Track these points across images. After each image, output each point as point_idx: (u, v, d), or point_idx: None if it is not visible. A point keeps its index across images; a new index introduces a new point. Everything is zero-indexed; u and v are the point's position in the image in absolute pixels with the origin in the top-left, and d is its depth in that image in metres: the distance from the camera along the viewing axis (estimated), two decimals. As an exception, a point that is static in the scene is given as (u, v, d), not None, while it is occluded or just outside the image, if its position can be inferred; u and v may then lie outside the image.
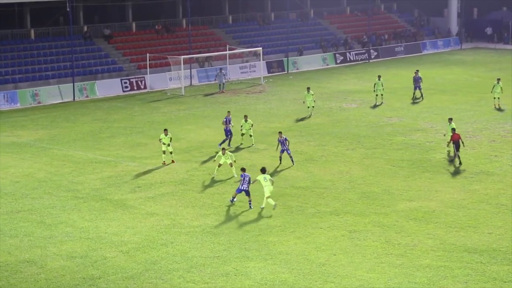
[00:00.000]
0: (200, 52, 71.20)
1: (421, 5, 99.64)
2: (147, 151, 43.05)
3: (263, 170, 32.88)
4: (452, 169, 38.34)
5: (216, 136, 46.08)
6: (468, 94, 59.03)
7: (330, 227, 30.34)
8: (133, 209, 32.95)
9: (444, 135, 42.68)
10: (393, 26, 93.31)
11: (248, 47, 74.63)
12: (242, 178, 32.82)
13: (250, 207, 32.65)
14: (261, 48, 70.97)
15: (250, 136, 43.65)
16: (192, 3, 70.12)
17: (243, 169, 33.26)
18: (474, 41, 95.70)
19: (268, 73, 72.44)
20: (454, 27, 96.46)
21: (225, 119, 44.02)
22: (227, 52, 69.58)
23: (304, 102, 52.42)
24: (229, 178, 37.26)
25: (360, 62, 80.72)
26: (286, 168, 38.98)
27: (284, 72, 73.84)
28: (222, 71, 64.36)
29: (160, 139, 40.09)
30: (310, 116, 51.50)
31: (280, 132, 40.24)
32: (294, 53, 78.36)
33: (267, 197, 32.25)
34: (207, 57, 71.28)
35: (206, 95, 61.90)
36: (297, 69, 75.46)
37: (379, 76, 57.18)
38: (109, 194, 35.09)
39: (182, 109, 55.63)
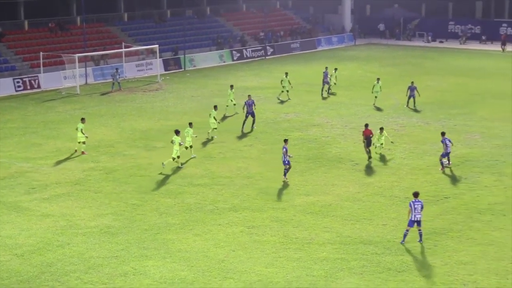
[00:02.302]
0: (95, 50, 70.26)
1: (316, 3, 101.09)
2: (42, 152, 42.20)
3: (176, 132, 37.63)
4: (347, 163, 38.98)
5: (112, 135, 45.57)
6: (363, 89, 60.09)
7: (229, 224, 30.43)
8: (28, 211, 32.24)
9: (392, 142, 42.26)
10: (289, 23, 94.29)
11: (144, 45, 74.09)
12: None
13: None
14: (157, 45, 70.57)
15: (191, 147, 41.06)
16: (87, 0, 69.10)
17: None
18: (368, 37, 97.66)
19: (165, 70, 72.06)
20: (348, 23, 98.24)
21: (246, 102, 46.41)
22: (123, 50, 68.87)
23: (230, 101, 51.18)
24: (129, 177, 36.95)
25: (256, 58, 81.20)
26: (185, 166, 38.87)
27: (181, 70, 73.62)
28: (118, 70, 63.71)
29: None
30: (234, 114, 51.08)
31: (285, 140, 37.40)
32: (190, 50, 78.14)
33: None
34: (102, 55, 70.40)
35: (103, 94, 61.12)
36: (194, 66, 75.35)
37: (286, 73, 57.71)
38: (2, 197, 34.21)
39: (78, 108, 54.75)
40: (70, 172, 38.15)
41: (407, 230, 27.84)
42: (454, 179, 36.01)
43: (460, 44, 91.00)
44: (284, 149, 35.90)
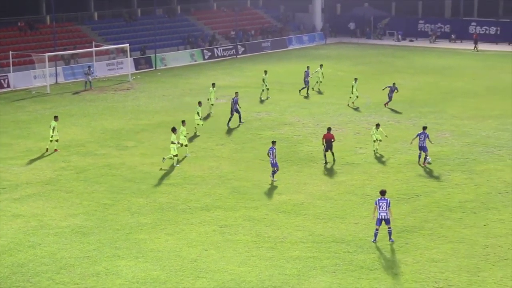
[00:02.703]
0: (65, 50, 69.86)
1: (286, 1, 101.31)
2: (12, 152, 41.86)
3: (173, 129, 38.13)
4: (319, 162, 39.08)
5: (83, 135, 45.33)
6: (334, 88, 60.30)
7: (201, 223, 30.40)
8: (-1, 211, 32.02)
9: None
10: (260, 22, 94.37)
11: (114, 44, 73.77)
12: None
13: None
14: (128, 44, 70.29)
15: (186, 145, 41.01)
16: (56, -1, 68.71)
17: None
18: (338, 36, 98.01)
19: (136, 70, 71.80)
20: (318, 22, 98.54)
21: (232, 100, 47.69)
22: (93, 49, 68.49)
23: (209, 99, 51.30)
24: (101, 177, 36.78)
25: (228, 57, 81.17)
26: (157, 166, 38.78)
27: (152, 69, 73.38)
28: (91, 68, 63.41)
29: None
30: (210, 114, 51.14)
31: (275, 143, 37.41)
32: (161, 49, 77.94)
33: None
34: (73, 54, 70.01)
35: (75, 93, 60.75)
36: (165, 65, 75.14)
37: (265, 71, 57.69)
38: (-27, 197, 33.96)
39: (48, 108, 54.38)
40: (41, 172, 37.90)
41: (376, 229, 27.95)
42: (425, 177, 36.25)
43: (430, 43, 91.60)
44: (271, 151, 35.51)
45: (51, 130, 41.39)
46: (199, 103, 45.86)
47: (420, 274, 25.24)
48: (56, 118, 42.38)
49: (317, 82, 59.17)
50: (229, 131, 46.21)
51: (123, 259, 26.71)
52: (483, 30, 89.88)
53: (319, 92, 58.91)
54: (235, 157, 40.43)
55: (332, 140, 38.86)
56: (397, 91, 52.12)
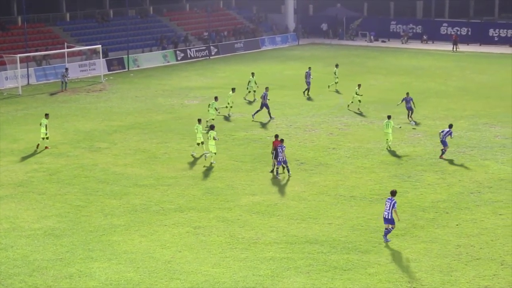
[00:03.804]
0: (37, 51, 69.41)
1: (259, 2, 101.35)
2: (-16, 153, 41.58)
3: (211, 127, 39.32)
4: (292, 162, 39.12)
5: (56, 136, 45.07)
6: (307, 90, 60.35)
7: (175, 224, 30.35)
8: (-30, 214, 31.75)
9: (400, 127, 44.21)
10: (233, 22, 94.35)
11: (87, 45, 73.42)
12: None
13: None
14: (100, 45, 70.00)
15: (202, 143, 40.79)
16: (27, 0, 68.20)
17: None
18: (311, 37, 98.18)
19: (109, 71, 71.53)
20: (291, 23, 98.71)
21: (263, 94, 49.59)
22: (65, 50, 68.09)
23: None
24: (74, 178, 36.58)
25: (201, 58, 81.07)
26: (129, 167, 38.66)
27: (124, 70, 73.12)
28: (68, 70, 63.25)
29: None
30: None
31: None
32: (135, 50, 77.70)
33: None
34: (44, 55, 69.60)
35: (53, 94, 60.37)
36: (138, 66, 74.90)
37: (253, 73, 57.61)
38: None
39: (20, 109, 54.03)
40: (13, 173, 37.62)
41: (385, 229, 28.17)
42: (397, 178, 36.43)
43: (402, 43, 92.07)
44: (282, 148, 36.40)
45: (43, 128, 42.08)
46: (215, 98, 48.02)
47: (394, 274, 25.37)
48: (47, 115, 43.05)
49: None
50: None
51: (96, 261, 26.60)
52: (454, 31, 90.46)
53: (337, 92, 59.21)
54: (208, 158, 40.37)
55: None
56: (413, 101, 48.47)
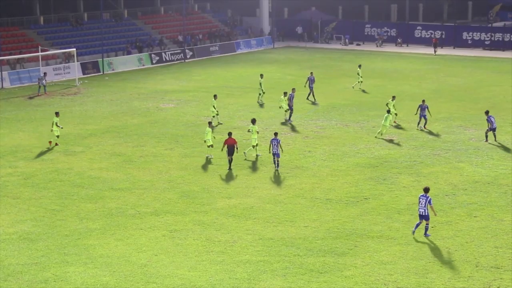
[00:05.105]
0: (11, 54, 68.98)
1: (234, 5, 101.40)
2: (-43, 158, 41.23)
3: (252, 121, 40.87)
4: (268, 165, 39.17)
5: (30, 140, 44.81)
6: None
7: (151, 228, 30.28)
8: None
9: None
10: (208, 26, 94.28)
11: (61, 48, 73.07)
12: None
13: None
14: (75, 49, 69.68)
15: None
16: (0, 3, 67.72)
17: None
18: (286, 40, 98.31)
19: (83, 74, 71.18)
20: (266, 26, 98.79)
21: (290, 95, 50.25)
22: (40, 53, 67.71)
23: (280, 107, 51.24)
24: (49, 182, 36.37)
25: (176, 62, 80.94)
26: (105, 170, 38.52)
27: (99, 73, 72.83)
28: (46, 75, 62.97)
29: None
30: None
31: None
32: (110, 54, 77.45)
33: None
34: (18, 59, 69.17)
35: (31, 97, 59.97)
36: (113, 70, 74.62)
37: (261, 75, 57.56)
38: None
39: (-6, 113, 53.70)
40: (-13, 178, 37.38)
41: (418, 223, 29.10)
42: (373, 180, 36.58)
43: (377, 46, 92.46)
44: (277, 141, 37.99)
45: (53, 125, 43.23)
46: (215, 96, 49.11)
47: (370, 277, 25.48)
48: (57, 114, 44.36)
49: (358, 82, 60.89)
50: (177, 135, 46.02)
51: (72, 265, 26.48)
52: (428, 34, 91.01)
53: (364, 91, 60.25)
54: (184, 161, 40.33)
55: (235, 144, 38.70)
56: (428, 109, 47.36)
